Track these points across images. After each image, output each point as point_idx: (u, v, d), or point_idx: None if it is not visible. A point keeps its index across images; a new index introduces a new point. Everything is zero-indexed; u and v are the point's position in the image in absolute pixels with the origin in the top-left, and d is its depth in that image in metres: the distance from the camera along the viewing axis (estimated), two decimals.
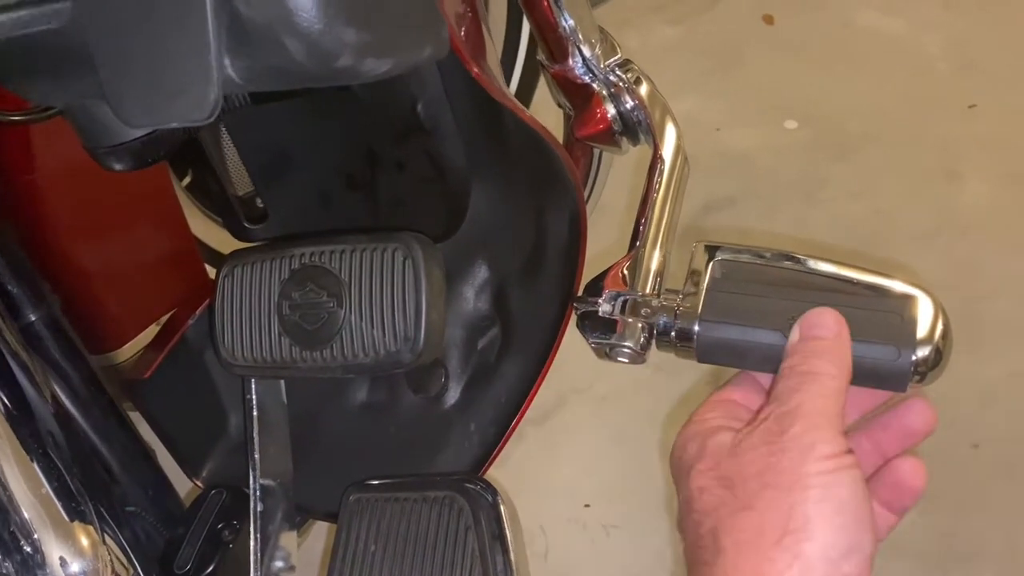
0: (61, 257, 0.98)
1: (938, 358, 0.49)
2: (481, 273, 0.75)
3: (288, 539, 0.69)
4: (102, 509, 0.62)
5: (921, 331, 0.49)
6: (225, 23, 0.39)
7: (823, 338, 0.48)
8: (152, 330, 1.07)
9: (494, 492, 0.64)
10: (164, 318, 1.04)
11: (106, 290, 1.06)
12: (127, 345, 1.09)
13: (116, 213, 1.01)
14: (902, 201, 1.53)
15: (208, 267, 1.15)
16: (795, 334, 0.49)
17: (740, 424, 0.49)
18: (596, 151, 0.80)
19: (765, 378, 0.52)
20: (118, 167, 0.54)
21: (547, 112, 0.80)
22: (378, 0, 0.40)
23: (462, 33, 0.49)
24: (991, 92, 1.70)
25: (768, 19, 1.96)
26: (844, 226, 1.51)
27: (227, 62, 0.39)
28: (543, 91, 0.99)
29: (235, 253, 0.63)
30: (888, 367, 0.49)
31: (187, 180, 1.19)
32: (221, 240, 1.21)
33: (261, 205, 0.79)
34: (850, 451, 0.46)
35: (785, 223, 1.53)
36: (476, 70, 0.50)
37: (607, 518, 1.20)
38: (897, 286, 0.51)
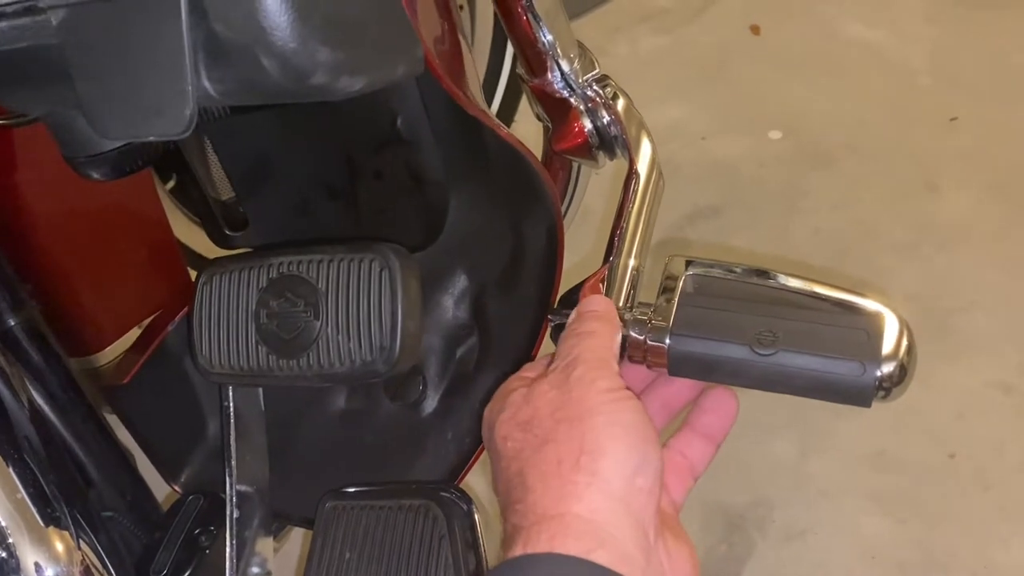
0: (42, 259, 0.98)
1: (902, 375, 0.50)
2: (460, 282, 0.75)
3: (264, 545, 0.69)
4: (78, 514, 0.63)
5: (886, 347, 0.50)
6: (201, 40, 0.39)
7: (595, 310, 0.55)
8: (133, 333, 1.07)
9: (468, 501, 0.65)
10: (146, 321, 1.05)
11: (87, 293, 1.06)
12: (108, 348, 1.09)
13: (98, 216, 1.01)
14: (882, 212, 1.55)
15: (191, 271, 1.15)
16: (573, 315, 0.56)
17: (531, 382, 0.55)
18: (575, 165, 0.81)
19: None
20: (96, 176, 0.54)
21: (530, 124, 0.80)
22: (352, 19, 0.41)
23: (438, 50, 0.50)
24: (972, 105, 1.71)
25: (755, 29, 1.97)
26: (825, 236, 1.52)
27: (203, 77, 0.40)
28: (527, 104, 1.00)
29: (214, 261, 0.64)
30: (853, 382, 0.50)
31: (171, 184, 1.19)
32: (205, 244, 1.22)
33: (237, 210, 0.79)
34: (628, 388, 0.51)
35: (768, 232, 1.54)
36: (451, 87, 0.51)
37: None
38: (864, 303, 0.52)
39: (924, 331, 1.35)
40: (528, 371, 0.58)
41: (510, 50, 1.12)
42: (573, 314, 0.56)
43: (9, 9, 0.44)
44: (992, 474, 1.21)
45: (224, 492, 0.69)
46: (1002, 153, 1.62)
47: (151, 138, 0.41)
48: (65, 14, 0.41)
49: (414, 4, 0.45)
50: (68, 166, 0.56)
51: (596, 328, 0.54)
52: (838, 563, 1.16)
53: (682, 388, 0.58)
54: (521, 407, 0.53)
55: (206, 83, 0.40)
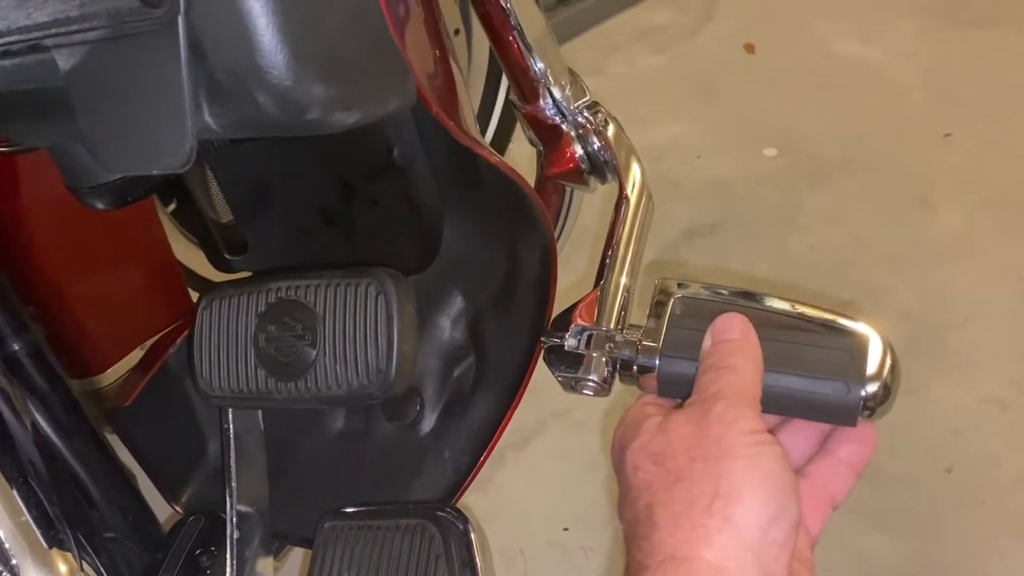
0: (44, 281, 0.99)
1: (886, 394, 0.51)
2: (456, 303, 0.77)
3: (265, 565, 0.70)
4: (80, 536, 0.64)
5: (870, 368, 0.51)
6: (200, 78, 0.41)
7: (733, 339, 0.52)
8: (135, 355, 1.08)
9: (465, 520, 0.66)
10: (148, 343, 1.06)
11: (90, 315, 1.07)
12: (110, 369, 1.10)
13: (100, 238, 1.02)
14: (877, 228, 1.56)
15: (192, 292, 1.16)
16: (707, 340, 0.52)
17: (667, 411, 0.52)
18: (567, 189, 0.83)
19: None
20: (99, 206, 0.56)
21: (526, 147, 0.82)
22: (345, 56, 0.42)
23: (430, 80, 0.51)
24: (965, 122, 1.73)
25: (749, 48, 1.99)
26: (821, 252, 1.53)
27: (203, 113, 0.41)
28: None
29: (214, 287, 0.65)
30: (838, 402, 0.51)
31: (172, 207, 1.21)
32: (206, 266, 1.23)
33: (236, 234, 0.80)
34: (771, 432, 0.49)
35: (764, 249, 1.55)
36: (443, 118, 0.53)
37: (586, 542, 1.21)
38: (848, 324, 0.53)
39: (919, 346, 1.36)
40: (662, 403, 0.55)
41: (506, 83, 1.13)
42: (707, 339, 0.52)
43: (14, 47, 0.45)
44: (989, 489, 1.22)
45: (224, 512, 0.70)
46: (996, 169, 1.64)
47: (152, 172, 0.42)
48: (70, 53, 0.43)
49: (404, 36, 0.47)
50: (71, 195, 0.57)
51: (739, 364, 0.50)
52: None
53: (809, 435, 0.55)
54: (654, 437, 0.50)
55: (206, 119, 0.41)
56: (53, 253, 1.00)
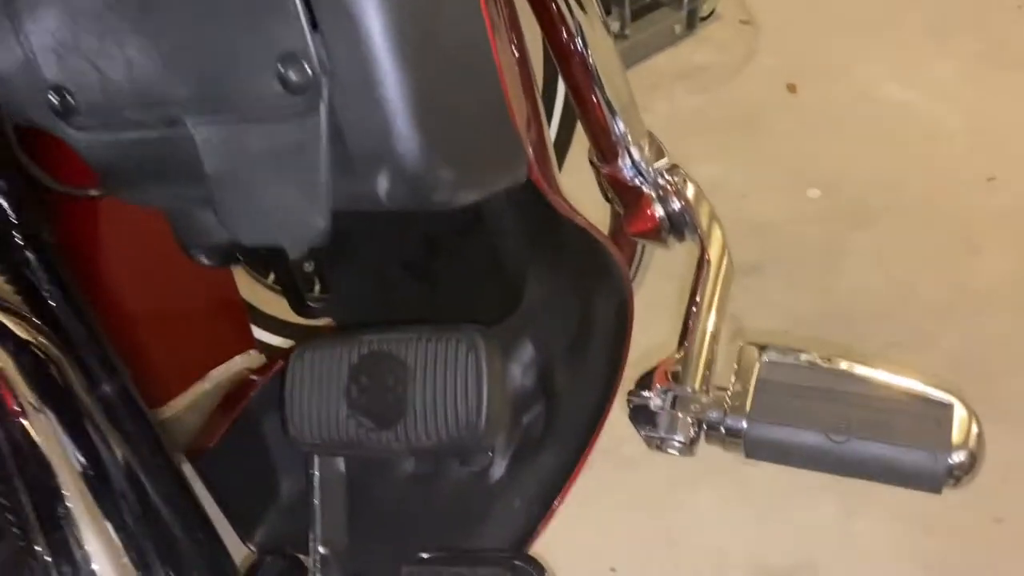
0: (111, 314, 1.02)
1: (972, 462, 0.53)
2: (528, 352, 0.78)
3: None
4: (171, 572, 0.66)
5: (956, 436, 0.53)
6: (336, 159, 0.43)
7: None
8: (196, 388, 1.10)
9: (541, 570, 0.67)
10: (213, 373, 1.08)
11: (154, 346, 1.09)
12: (171, 403, 1.13)
13: (166, 269, 1.05)
14: (922, 272, 1.56)
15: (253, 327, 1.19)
16: None
17: None
18: (640, 244, 0.85)
19: None
20: (207, 263, 0.58)
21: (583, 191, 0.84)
22: (472, 138, 0.44)
23: (533, 151, 0.53)
24: (1009, 166, 1.73)
25: (791, 88, 2.01)
26: (865, 296, 1.53)
27: (335, 190, 0.44)
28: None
29: (307, 338, 0.67)
30: (924, 470, 0.53)
31: None
32: (264, 300, 1.26)
33: (310, 269, 0.82)
34: None
35: (808, 291, 1.56)
36: (545, 187, 0.55)
37: None
38: (933, 392, 0.55)
39: (966, 395, 1.35)
40: None
41: (554, 128, 1.15)
42: None
43: (150, 120, 0.48)
44: None
45: (300, 552, 0.72)
46: None
47: (283, 245, 0.45)
48: (208, 129, 0.45)
49: (516, 111, 0.49)
50: (181, 249, 0.60)
51: None
52: None
53: None
54: None
55: (338, 195, 0.44)
56: (120, 284, 1.02)
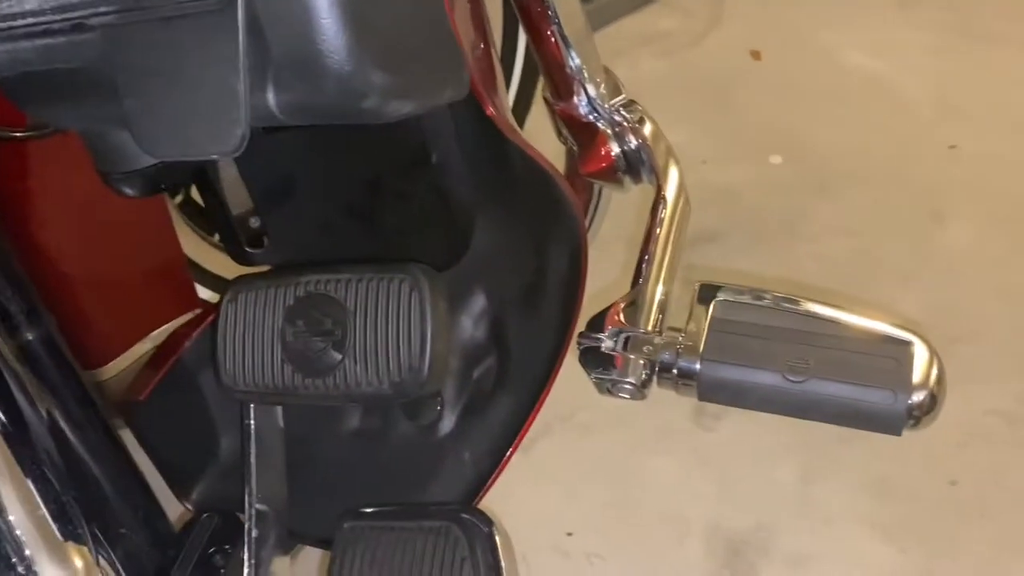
0: (51, 271, 0.97)
1: (933, 403, 0.51)
2: (480, 302, 0.76)
3: (281, 565, 0.69)
4: (96, 530, 0.62)
5: (917, 376, 0.51)
6: (257, 60, 0.39)
7: None
8: (137, 348, 1.06)
9: (490, 523, 0.65)
10: (154, 333, 1.04)
11: (94, 305, 1.05)
12: (112, 363, 1.09)
13: (107, 228, 1.00)
14: (885, 239, 1.56)
15: (197, 285, 1.15)
16: None
17: None
18: (596, 187, 0.82)
19: None
20: (130, 193, 0.54)
21: (543, 143, 0.81)
22: (405, 43, 0.41)
23: (478, 71, 0.50)
24: (973, 136, 1.73)
25: (756, 55, 1.99)
26: (827, 264, 1.53)
27: (257, 98, 0.40)
28: (536, 116, 1.00)
29: (239, 279, 0.64)
30: (884, 410, 0.51)
31: (179, 199, 1.19)
32: (210, 259, 1.21)
33: (255, 226, 0.79)
34: None
35: (769, 258, 1.55)
36: (491, 110, 0.52)
37: (591, 547, 1.20)
38: (894, 331, 0.52)
39: None
40: None
41: (519, 66, 1.12)
42: None
43: (56, 26, 0.44)
44: (993, 502, 1.21)
45: (237, 510, 0.69)
46: (1004, 184, 1.64)
47: (201, 158, 0.41)
48: (116, 33, 0.41)
49: (458, 24, 0.46)
50: (100, 180, 0.56)
51: None
52: None
53: None
54: None
55: (259, 104, 0.40)
56: (60, 242, 0.98)
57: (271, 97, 0.40)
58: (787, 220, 1.61)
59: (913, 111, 1.82)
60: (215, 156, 0.41)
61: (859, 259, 1.53)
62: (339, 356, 0.59)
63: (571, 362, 0.74)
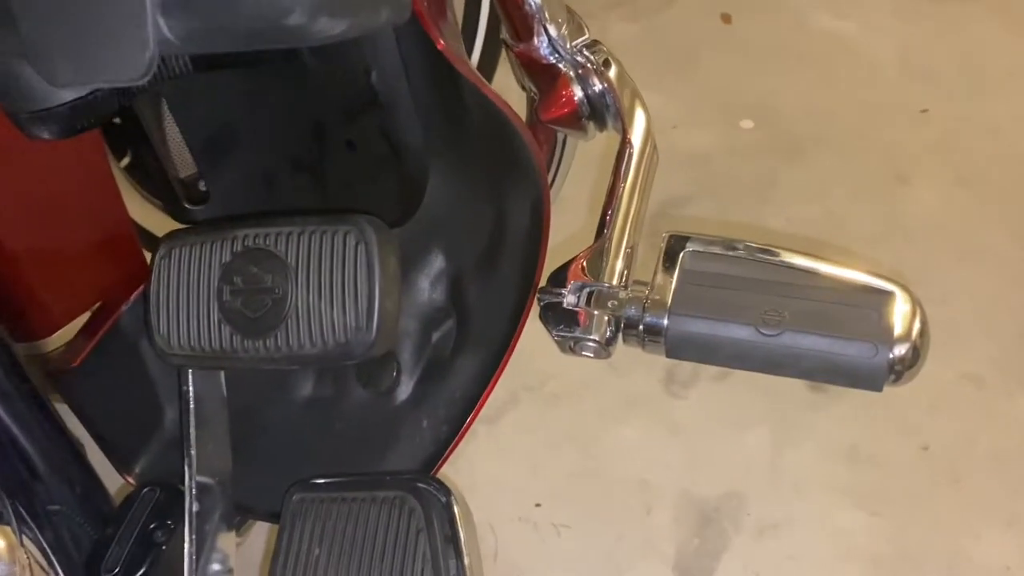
0: None
1: (915, 357, 0.48)
2: (437, 262, 0.72)
3: (226, 540, 0.65)
4: (22, 509, 0.58)
5: (899, 328, 0.47)
6: None
7: None
8: (84, 318, 1.01)
9: (447, 492, 0.61)
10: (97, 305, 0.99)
11: (35, 275, 1.00)
12: (57, 334, 1.03)
13: (47, 194, 0.95)
14: (853, 203, 1.54)
15: (146, 252, 1.10)
16: None
17: None
18: (560, 136, 0.78)
19: None
20: (44, 135, 0.49)
21: (508, 96, 0.77)
22: None
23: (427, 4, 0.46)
24: (941, 99, 1.72)
25: (725, 18, 1.96)
26: (797, 226, 1.51)
27: (167, 16, 0.35)
28: (503, 74, 0.95)
29: (173, 233, 0.59)
30: (864, 364, 0.48)
31: (126, 161, 1.13)
32: (160, 225, 1.16)
33: (204, 189, 0.74)
34: None
35: (739, 222, 1.53)
36: (442, 43, 0.47)
37: (558, 517, 1.18)
38: (874, 282, 0.49)
39: None
40: None
41: (485, 14, 1.06)
42: None
43: None
44: (964, 467, 1.21)
45: (182, 484, 0.64)
46: (971, 146, 1.63)
47: (104, 84, 0.36)
48: None
49: None
50: (12, 123, 0.51)
51: None
52: (812, 557, 1.14)
53: None
54: None
55: (169, 23, 0.36)
56: (3, 213, 0.93)
57: (184, 16, 0.35)
58: (757, 184, 1.59)
59: (880, 73, 1.80)
60: (123, 83, 0.36)
61: (828, 222, 1.51)
62: (279, 316, 0.54)
63: (540, 332, 0.70)
